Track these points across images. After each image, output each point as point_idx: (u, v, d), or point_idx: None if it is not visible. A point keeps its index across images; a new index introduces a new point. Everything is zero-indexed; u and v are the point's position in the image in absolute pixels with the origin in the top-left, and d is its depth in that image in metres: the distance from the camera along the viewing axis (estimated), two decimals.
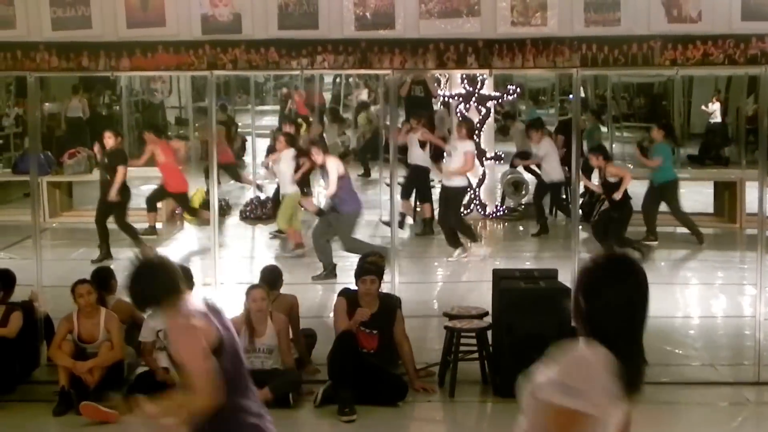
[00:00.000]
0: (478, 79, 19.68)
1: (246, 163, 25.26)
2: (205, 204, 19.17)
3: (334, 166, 15.11)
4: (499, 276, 10.88)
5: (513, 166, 21.26)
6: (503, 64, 10.97)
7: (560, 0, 10.76)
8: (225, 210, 19.50)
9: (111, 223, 16.61)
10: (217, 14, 10.81)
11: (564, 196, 19.52)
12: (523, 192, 20.77)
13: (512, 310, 10.27)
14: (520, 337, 10.08)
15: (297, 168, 17.24)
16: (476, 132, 19.07)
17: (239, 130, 28.53)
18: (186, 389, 5.60)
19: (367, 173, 25.96)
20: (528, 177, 20.82)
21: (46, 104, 28.69)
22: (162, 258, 6.10)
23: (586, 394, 4.07)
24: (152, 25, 10.87)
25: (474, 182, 19.55)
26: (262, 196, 20.41)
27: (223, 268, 13.39)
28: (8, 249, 17.15)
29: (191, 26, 10.83)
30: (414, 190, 18.87)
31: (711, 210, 20.63)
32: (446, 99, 21.23)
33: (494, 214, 20.10)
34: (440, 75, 23.34)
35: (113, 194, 16.25)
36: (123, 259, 16.27)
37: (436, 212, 18.16)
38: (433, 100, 24.17)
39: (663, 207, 18.05)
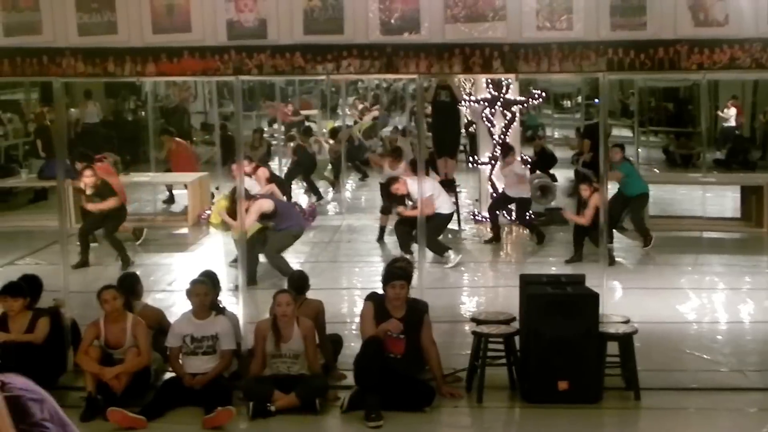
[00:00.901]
0: (503, 83, 19.67)
1: (271, 168, 25.30)
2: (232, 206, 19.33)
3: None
4: (526, 281, 10.84)
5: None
6: (529, 69, 10.93)
7: (586, 4, 10.70)
8: None
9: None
10: (243, 20, 10.81)
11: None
12: (551, 196, 20.73)
13: (540, 315, 10.22)
14: (548, 342, 10.06)
15: None
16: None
17: (264, 135, 28.58)
18: None
19: (364, 175, 26.36)
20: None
21: (71, 110, 28.81)
22: None
23: None
24: (178, 30, 10.88)
25: (500, 188, 19.58)
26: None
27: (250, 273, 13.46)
28: (34, 254, 17.21)
29: (217, 32, 10.83)
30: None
31: (738, 215, 20.54)
32: (472, 103, 21.19)
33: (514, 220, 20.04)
34: (465, 80, 23.33)
35: (107, 206, 16.48)
36: (147, 264, 16.45)
37: None
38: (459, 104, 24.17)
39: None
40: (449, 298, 14.32)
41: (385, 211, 18.60)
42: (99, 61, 10.97)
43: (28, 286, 11.11)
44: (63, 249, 11.75)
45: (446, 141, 21.41)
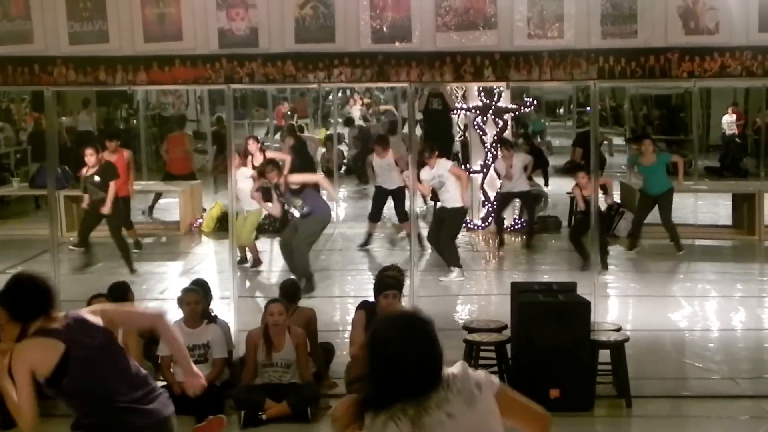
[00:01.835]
0: (495, 91, 19.69)
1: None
2: (222, 217, 19.35)
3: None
4: (518, 289, 10.83)
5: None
6: (520, 77, 10.94)
7: (577, 12, 10.72)
8: None
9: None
10: (234, 28, 10.81)
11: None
12: (542, 204, 20.74)
13: (531, 323, 10.22)
14: (539, 350, 10.06)
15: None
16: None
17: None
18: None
19: (365, 181, 26.36)
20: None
21: (63, 118, 28.77)
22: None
23: None
24: (169, 39, 10.88)
25: (491, 195, 19.60)
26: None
27: (241, 281, 13.42)
28: (25, 263, 17.17)
29: (208, 40, 10.83)
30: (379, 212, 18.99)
31: (730, 222, 20.56)
32: (464, 111, 21.20)
33: (513, 227, 20.05)
34: (457, 88, 23.37)
35: (108, 208, 16.34)
36: (139, 273, 16.42)
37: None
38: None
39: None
40: (441, 306, 14.27)
41: (374, 218, 18.60)
42: (90, 69, 10.96)
43: None
44: (54, 258, 11.72)
45: (438, 149, 21.40)
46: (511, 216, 20.28)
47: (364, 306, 10.61)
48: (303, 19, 10.80)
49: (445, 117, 22.97)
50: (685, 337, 13.05)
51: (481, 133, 20.13)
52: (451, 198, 16.36)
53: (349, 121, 32.49)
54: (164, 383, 10.47)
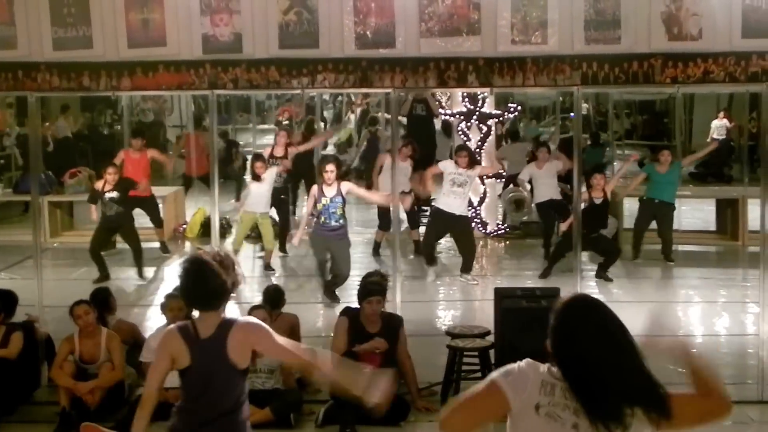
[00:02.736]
0: (479, 97, 19.67)
1: (246, 182, 25.24)
2: (206, 222, 19.32)
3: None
4: (501, 295, 10.84)
5: None
6: (504, 83, 10.98)
7: (560, 18, 10.76)
8: (226, 229, 19.46)
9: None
10: (218, 34, 10.82)
11: None
12: (525, 210, 20.72)
13: (515, 328, 10.23)
14: (523, 355, 10.00)
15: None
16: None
17: (240, 149, 28.51)
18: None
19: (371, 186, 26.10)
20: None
21: (46, 124, 28.67)
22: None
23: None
24: (153, 44, 10.88)
25: (475, 201, 19.54)
26: None
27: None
28: (9, 269, 17.13)
29: (192, 46, 10.84)
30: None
31: (713, 227, 20.60)
32: (448, 117, 21.19)
33: (496, 232, 20.06)
34: (441, 94, 23.36)
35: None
36: (123, 279, 16.40)
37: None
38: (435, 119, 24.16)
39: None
40: (424, 312, 14.30)
41: (384, 227, 18.28)
42: (74, 75, 10.98)
43: (3, 301, 11.06)
44: (37, 263, 11.69)
45: (421, 155, 21.38)
46: (493, 222, 20.26)
47: (346, 312, 10.63)
48: (287, 25, 10.81)
49: (428, 123, 22.97)
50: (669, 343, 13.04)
51: (465, 138, 20.10)
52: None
53: (373, 121, 32.02)
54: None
